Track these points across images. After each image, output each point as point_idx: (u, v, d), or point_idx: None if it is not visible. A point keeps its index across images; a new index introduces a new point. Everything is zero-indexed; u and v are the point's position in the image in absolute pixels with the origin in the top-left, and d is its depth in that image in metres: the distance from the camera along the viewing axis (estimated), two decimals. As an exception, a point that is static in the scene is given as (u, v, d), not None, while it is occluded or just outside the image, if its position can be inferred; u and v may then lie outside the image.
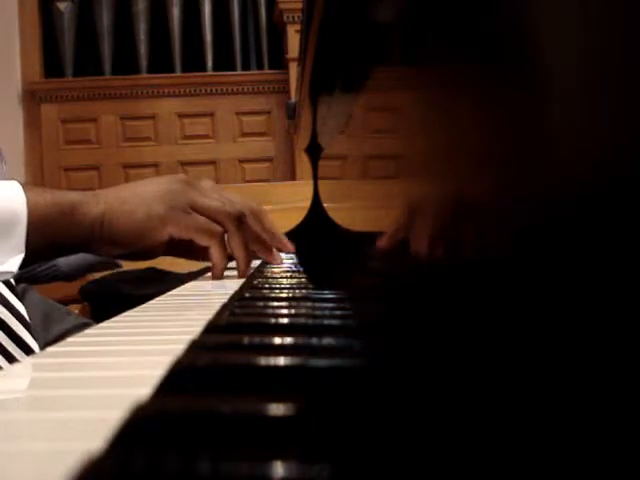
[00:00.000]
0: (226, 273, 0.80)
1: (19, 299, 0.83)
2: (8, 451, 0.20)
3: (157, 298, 0.61)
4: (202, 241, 0.72)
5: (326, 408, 0.21)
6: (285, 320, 0.41)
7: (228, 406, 0.21)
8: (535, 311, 0.20)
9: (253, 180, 3.76)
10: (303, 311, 0.45)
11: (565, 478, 0.17)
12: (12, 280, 0.83)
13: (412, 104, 0.38)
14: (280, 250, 0.81)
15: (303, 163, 3.01)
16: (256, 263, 1.07)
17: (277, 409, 0.20)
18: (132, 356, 0.33)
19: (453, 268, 0.30)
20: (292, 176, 3.69)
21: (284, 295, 0.56)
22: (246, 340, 0.33)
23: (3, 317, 0.76)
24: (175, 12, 3.87)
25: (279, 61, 3.83)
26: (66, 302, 1.51)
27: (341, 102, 0.77)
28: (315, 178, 1.29)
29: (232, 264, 0.81)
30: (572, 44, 0.17)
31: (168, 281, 1.65)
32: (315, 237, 1.24)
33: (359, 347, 0.32)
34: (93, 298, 1.84)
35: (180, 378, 0.26)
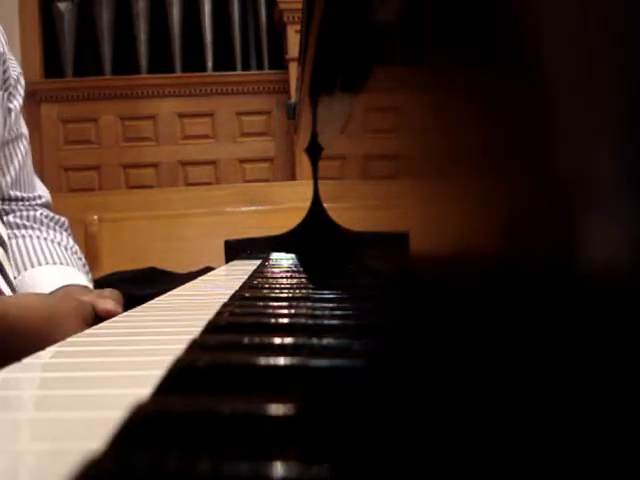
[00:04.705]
0: (227, 273, 0.80)
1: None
2: (8, 451, 0.20)
3: (157, 298, 0.61)
4: None
5: (326, 408, 0.21)
6: (285, 320, 0.41)
7: (228, 406, 0.21)
8: (534, 313, 0.20)
9: (253, 180, 3.76)
10: (303, 311, 0.45)
11: (565, 478, 0.17)
12: (10, 275, 0.84)
13: (412, 104, 0.38)
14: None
15: (303, 163, 3.01)
16: (256, 263, 1.07)
17: (277, 409, 0.20)
18: (132, 356, 0.33)
19: (453, 269, 0.30)
20: (292, 176, 3.69)
21: (284, 295, 0.56)
22: (246, 340, 0.33)
23: None
24: (175, 12, 3.87)
25: (279, 61, 3.83)
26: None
27: (341, 102, 0.77)
28: (315, 178, 1.29)
29: (237, 263, 0.81)
30: (574, 44, 0.17)
31: (168, 281, 1.65)
32: (315, 237, 1.24)
33: (359, 347, 0.32)
34: (93, 298, 1.83)
35: (180, 378, 0.26)
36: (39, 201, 1.04)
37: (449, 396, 0.23)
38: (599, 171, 0.16)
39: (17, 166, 0.99)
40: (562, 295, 0.18)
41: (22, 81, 1.00)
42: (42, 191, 1.06)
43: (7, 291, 0.81)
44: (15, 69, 0.99)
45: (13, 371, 0.30)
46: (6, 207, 0.99)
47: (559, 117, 0.18)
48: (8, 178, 0.98)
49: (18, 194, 1.01)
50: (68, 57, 3.88)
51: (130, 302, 0.66)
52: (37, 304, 0.74)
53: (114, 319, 0.49)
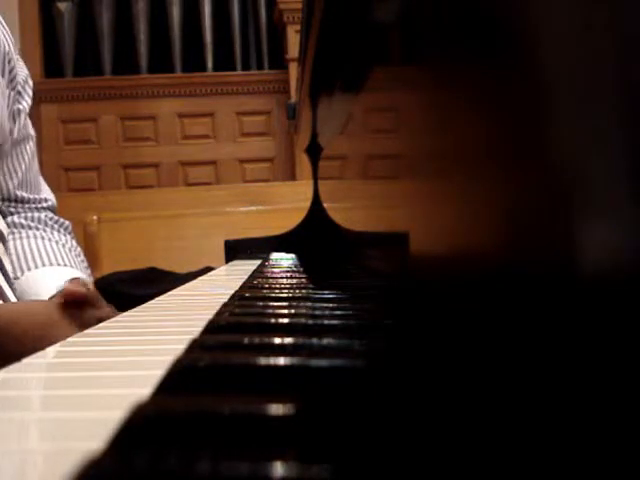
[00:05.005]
0: (227, 273, 0.80)
1: (13, 290, 0.84)
2: (9, 450, 0.20)
3: (157, 298, 0.61)
4: None
5: (326, 408, 0.21)
6: (285, 320, 0.41)
7: (228, 406, 0.21)
8: (534, 313, 0.20)
9: (253, 180, 3.76)
10: (303, 311, 0.45)
11: (565, 478, 0.17)
12: (10, 274, 0.84)
13: (412, 104, 0.38)
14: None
15: (303, 163, 3.02)
16: (256, 263, 1.07)
17: (277, 409, 0.20)
18: (132, 356, 0.33)
19: (453, 269, 0.30)
20: (292, 176, 3.69)
21: (284, 295, 0.56)
22: (246, 340, 0.33)
23: None
24: (175, 12, 3.87)
25: (279, 61, 3.83)
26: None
27: (341, 102, 0.77)
28: (315, 178, 1.29)
29: (237, 263, 0.81)
30: (574, 44, 0.17)
31: (168, 281, 1.65)
32: (315, 237, 1.24)
33: (359, 347, 0.32)
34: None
35: (180, 378, 0.26)
36: (45, 204, 1.05)
37: (449, 396, 0.23)
38: (599, 171, 0.16)
39: (24, 167, 1.00)
40: (562, 295, 0.18)
41: (30, 82, 1.01)
42: (48, 194, 1.07)
43: (5, 286, 0.82)
44: (23, 70, 0.99)
45: (13, 371, 0.30)
46: (12, 209, 1.00)
47: (559, 117, 0.18)
48: (16, 180, 0.99)
49: (25, 195, 1.02)
50: (68, 57, 3.88)
51: (130, 302, 0.67)
52: (32, 310, 0.74)
53: (114, 319, 0.49)
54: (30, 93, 1.00)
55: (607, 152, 0.15)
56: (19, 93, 0.97)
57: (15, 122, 0.96)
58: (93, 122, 3.84)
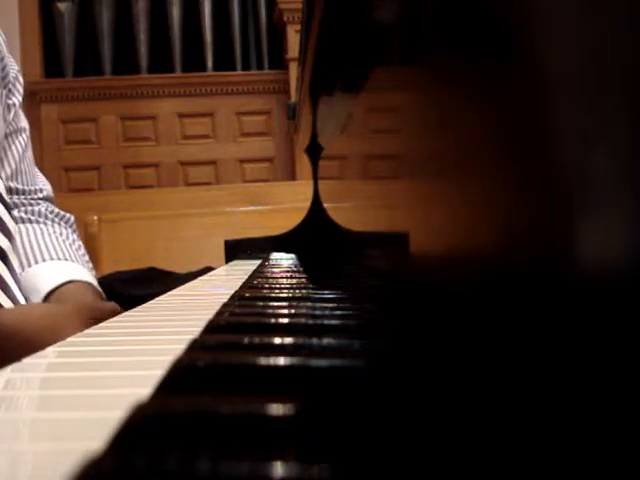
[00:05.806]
0: (227, 273, 0.80)
1: (20, 289, 0.84)
2: (9, 451, 0.20)
3: (157, 298, 0.61)
4: None
5: (326, 408, 0.21)
6: (285, 320, 0.41)
7: (228, 406, 0.21)
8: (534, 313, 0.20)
9: (253, 180, 3.76)
10: (303, 311, 0.45)
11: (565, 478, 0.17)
12: (16, 268, 0.84)
13: (412, 104, 0.38)
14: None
15: (303, 163, 3.02)
16: (256, 263, 1.07)
17: (277, 409, 0.20)
18: (132, 356, 0.33)
19: (453, 269, 0.30)
20: (292, 176, 3.69)
21: (284, 295, 0.56)
22: (246, 340, 0.33)
23: (2, 303, 0.77)
24: (175, 12, 3.87)
25: (279, 61, 3.83)
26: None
27: (341, 102, 0.77)
28: (315, 178, 1.29)
29: (237, 263, 0.81)
30: (574, 44, 0.17)
31: (168, 281, 1.65)
32: (315, 237, 1.24)
33: (359, 347, 0.32)
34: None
35: (180, 378, 0.26)
36: (40, 194, 1.05)
37: (449, 397, 0.23)
38: (599, 171, 0.16)
39: (17, 158, 1.00)
40: (562, 295, 0.18)
41: (20, 79, 1.01)
42: (43, 184, 1.07)
43: (13, 285, 0.81)
44: (13, 67, 1.00)
45: (14, 371, 0.30)
46: (8, 201, 1.00)
47: (559, 117, 0.18)
48: (8, 170, 0.99)
49: (19, 187, 1.02)
50: (68, 57, 3.88)
51: (130, 302, 0.67)
52: (36, 313, 0.74)
53: (114, 319, 0.49)
54: (21, 90, 1.01)
55: (606, 152, 0.15)
56: (10, 90, 0.98)
57: (5, 118, 0.96)
58: (93, 122, 3.84)
